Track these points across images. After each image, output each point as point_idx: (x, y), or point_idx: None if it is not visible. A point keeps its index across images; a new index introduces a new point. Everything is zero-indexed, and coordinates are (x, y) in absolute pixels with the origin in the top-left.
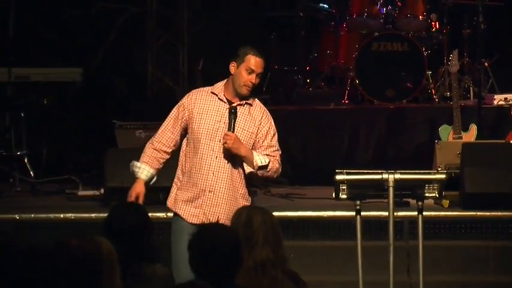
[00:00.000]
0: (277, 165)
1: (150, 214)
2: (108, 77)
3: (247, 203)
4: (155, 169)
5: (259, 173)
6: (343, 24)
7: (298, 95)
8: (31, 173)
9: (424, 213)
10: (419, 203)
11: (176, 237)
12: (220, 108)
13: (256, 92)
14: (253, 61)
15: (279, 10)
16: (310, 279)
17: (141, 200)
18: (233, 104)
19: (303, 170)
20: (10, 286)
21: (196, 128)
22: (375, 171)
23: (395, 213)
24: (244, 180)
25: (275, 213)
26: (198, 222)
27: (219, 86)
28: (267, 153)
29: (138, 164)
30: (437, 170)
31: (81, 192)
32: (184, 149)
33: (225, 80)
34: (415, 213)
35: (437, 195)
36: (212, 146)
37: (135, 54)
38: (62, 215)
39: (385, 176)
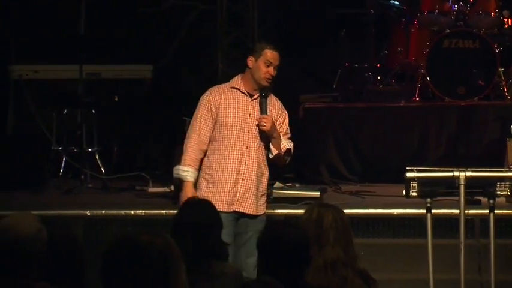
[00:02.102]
0: (292, 149)
1: None
2: (178, 74)
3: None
4: (197, 169)
5: (285, 156)
6: (414, 21)
7: (369, 93)
8: (102, 169)
9: (496, 211)
10: (491, 201)
11: None
12: (243, 100)
13: (326, 89)
14: (270, 54)
15: (349, 7)
16: (380, 277)
17: None
18: (255, 97)
19: (372, 168)
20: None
21: (225, 122)
22: (446, 168)
23: (466, 211)
24: (267, 166)
25: (345, 211)
26: (232, 210)
27: (237, 81)
28: (284, 138)
29: (184, 167)
30: (510, 168)
31: (151, 189)
32: (209, 145)
33: (241, 75)
34: (487, 211)
35: (509, 193)
36: (242, 136)
37: (205, 52)
38: (132, 212)
39: (456, 173)
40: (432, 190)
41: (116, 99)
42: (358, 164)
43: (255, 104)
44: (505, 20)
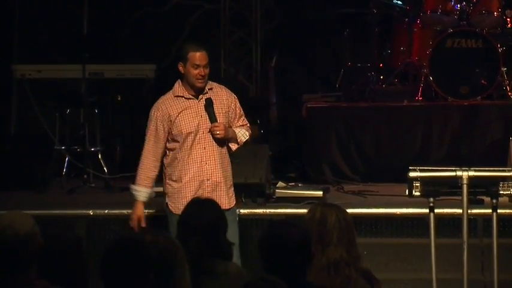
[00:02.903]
0: (250, 131)
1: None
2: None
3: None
4: (151, 187)
5: (244, 145)
6: (417, 21)
7: (372, 92)
8: (105, 169)
9: (499, 210)
10: (494, 201)
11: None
12: (191, 105)
13: (329, 88)
14: (195, 57)
15: (352, 7)
16: (383, 277)
17: (143, 223)
18: (201, 98)
19: (375, 167)
20: (81, 280)
21: (180, 131)
22: (449, 168)
23: (469, 211)
24: (229, 159)
25: (348, 210)
26: None
27: (179, 88)
28: (240, 123)
29: (136, 187)
30: None
31: (154, 189)
32: (168, 156)
33: (178, 82)
34: (490, 210)
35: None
36: (198, 139)
37: (208, 51)
38: None
39: (459, 173)
40: (435, 190)
41: (119, 98)
42: (361, 163)
43: (200, 104)
44: (508, 19)
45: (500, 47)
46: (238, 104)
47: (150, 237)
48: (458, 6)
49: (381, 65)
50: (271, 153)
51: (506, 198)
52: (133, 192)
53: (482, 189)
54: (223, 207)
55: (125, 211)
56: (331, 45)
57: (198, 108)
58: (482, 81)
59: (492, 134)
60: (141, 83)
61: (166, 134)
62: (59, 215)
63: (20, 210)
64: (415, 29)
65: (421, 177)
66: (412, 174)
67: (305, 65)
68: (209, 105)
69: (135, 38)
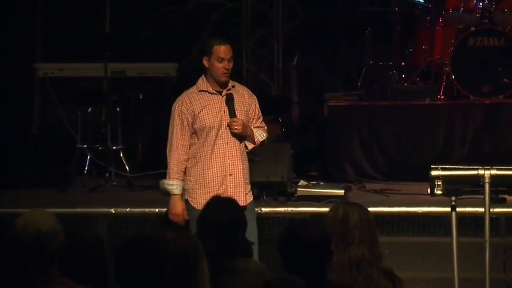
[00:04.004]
0: (267, 134)
1: None
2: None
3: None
4: (183, 180)
5: (260, 145)
6: (439, 19)
7: (393, 91)
8: (126, 167)
9: None
10: None
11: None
12: (214, 100)
13: (351, 87)
14: (220, 50)
15: (374, 5)
16: (405, 276)
17: (185, 216)
18: (224, 94)
19: (397, 166)
20: (101, 279)
21: (203, 125)
22: (471, 167)
23: (491, 210)
24: (247, 156)
25: (369, 209)
26: None
27: (203, 83)
28: (258, 124)
29: (170, 181)
30: None
31: None
32: (190, 149)
33: (202, 77)
34: None
35: None
36: (220, 134)
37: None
38: (156, 210)
39: (481, 171)
40: (457, 188)
41: (141, 97)
42: (382, 162)
43: (224, 100)
44: None
45: None
46: (257, 106)
47: (171, 235)
48: (481, 4)
49: (403, 63)
50: (293, 152)
51: None
52: (168, 187)
53: (505, 188)
54: (241, 204)
55: (146, 209)
56: (353, 44)
57: (221, 104)
58: (505, 80)
59: None
60: (162, 82)
61: (190, 127)
62: (81, 213)
63: (43, 209)
64: (437, 28)
65: (443, 176)
66: (434, 173)
67: (327, 64)
68: (229, 101)
69: (157, 37)
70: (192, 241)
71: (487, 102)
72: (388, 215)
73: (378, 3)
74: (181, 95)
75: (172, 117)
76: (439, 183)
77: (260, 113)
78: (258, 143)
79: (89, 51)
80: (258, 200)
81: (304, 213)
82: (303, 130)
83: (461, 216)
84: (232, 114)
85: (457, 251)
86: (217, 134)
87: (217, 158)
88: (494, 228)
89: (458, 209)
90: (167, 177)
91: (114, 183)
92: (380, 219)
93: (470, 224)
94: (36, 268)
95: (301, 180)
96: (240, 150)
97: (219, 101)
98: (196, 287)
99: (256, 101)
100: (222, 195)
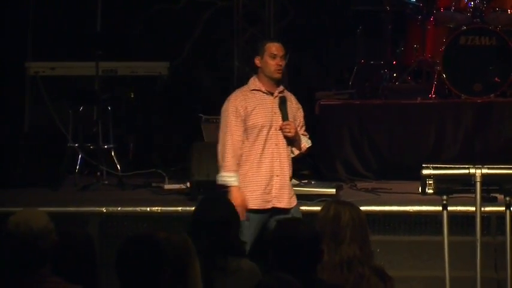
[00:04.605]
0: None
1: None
2: (194, 71)
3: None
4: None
5: (305, 153)
6: (430, 18)
7: (385, 90)
8: (118, 166)
9: None
10: (507, 198)
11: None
12: (267, 100)
13: (342, 86)
14: (273, 47)
15: (365, 4)
16: (396, 274)
17: (247, 206)
18: (276, 95)
19: (388, 165)
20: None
21: (255, 124)
22: (462, 165)
23: (482, 209)
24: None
25: (361, 208)
26: (270, 207)
27: (256, 82)
28: (302, 132)
29: (228, 173)
30: None
31: (167, 186)
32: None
33: (254, 77)
34: (503, 208)
35: None
36: (271, 136)
37: (222, 49)
38: (148, 209)
39: (472, 170)
40: (448, 187)
41: (132, 96)
42: (374, 160)
43: (275, 101)
44: None
45: None
46: (302, 114)
47: (163, 234)
48: (472, 3)
49: (394, 62)
50: None
51: None
52: (227, 179)
53: (496, 186)
54: (285, 206)
55: (138, 208)
56: (344, 43)
57: (273, 104)
58: (496, 79)
59: (505, 131)
60: (154, 81)
61: (243, 124)
62: (72, 212)
63: (36, 208)
64: (429, 27)
65: (434, 175)
66: (425, 171)
67: (318, 63)
68: (283, 103)
69: (149, 36)
70: (184, 240)
71: (478, 101)
72: (379, 214)
73: (370, 2)
74: (234, 93)
75: (225, 113)
76: (430, 182)
77: (303, 122)
78: (304, 149)
79: (80, 50)
80: None
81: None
82: None
83: (452, 215)
84: (285, 117)
85: (448, 250)
86: (268, 134)
87: (266, 159)
88: (485, 227)
89: (449, 208)
90: (223, 170)
91: (106, 182)
92: (371, 218)
93: (462, 222)
94: (28, 266)
95: (293, 179)
96: (287, 154)
97: (271, 101)
98: (189, 286)
99: (301, 109)
100: (214, 194)
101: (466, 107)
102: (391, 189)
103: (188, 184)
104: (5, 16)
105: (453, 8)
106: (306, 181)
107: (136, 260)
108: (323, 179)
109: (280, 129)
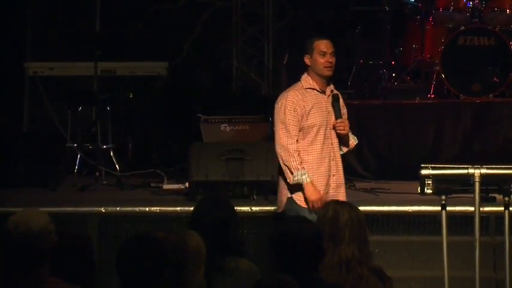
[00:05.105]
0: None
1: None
2: (193, 71)
3: None
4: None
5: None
6: (429, 18)
7: (383, 90)
8: (117, 166)
9: (511, 208)
10: (506, 198)
11: None
12: (321, 99)
13: (341, 86)
14: (322, 45)
15: (364, 4)
16: (395, 275)
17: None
18: (328, 93)
19: (387, 165)
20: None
21: (313, 123)
22: (461, 165)
23: (481, 209)
24: None
25: (359, 208)
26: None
27: (309, 81)
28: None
29: (299, 171)
30: None
31: (166, 186)
32: None
33: (305, 75)
34: (502, 208)
35: None
36: (327, 135)
37: (220, 49)
38: (147, 209)
39: (471, 170)
40: (447, 187)
41: (131, 96)
42: (372, 161)
43: (329, 99)
44: None
45: None
46: (346, 111)
47: (161, 234)
48: (471, 3)
49: (393, 62)
50: None
51: None
52: (301, 177)
53: (495, 186)
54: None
55: (136, 208)
56: (343, 43)
57: (327, 103)
58: (495, 79)
59: (504, 131)
60: (153, 81)
61: (299, 123)
62: (71, 212)
63: (37, 208)
64: (427, 27)
65: (433, 175)
66: (424, 171)
67: None
68: (336, 101)
69: (147, 36)
70: (181, 240)
71: (477, 101)
72: (378, 214)
73: (368, 2)
74: (289, 91)
75: (282, 112)
76: (429, 182)
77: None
78: (352, 146)
79: (79, 50)
80: (248, 199)
81: None
82: None
83: (451, 215)
84: (338, 115)
85: (447, 250)
86: (325, 134)
87: (325, 158)
88: (484, 227)
89: (448, 208)
90: (293, 169)
91: (104, 182)
92: (370, 218)
93: (461, 222)
94: (27, 267)
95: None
96: (339, 151)
97: (325, 100)
98: (188, 286)
99: (345, 106)
100: (212, 194)
101: (465, 107)
102: (389, 189)
103: (187, 184)
104: (4, 16)
105: (452, 8)
106: None
107: (136, 260)
108: None
109: (334, 127)
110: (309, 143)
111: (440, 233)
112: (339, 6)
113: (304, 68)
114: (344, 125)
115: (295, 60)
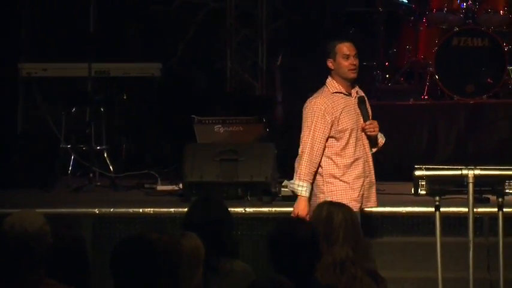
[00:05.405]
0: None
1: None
2: (187, 72)
3: None
4: (312, 183)
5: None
6: (423, 19)
7: (377, 91)
8: (110, 167)
9: (505, 209)
10: (500, 199)
11: None
12: (349, 102)
13: None
14: (344, 47)
15: (358, 6)
16: (389, 275)
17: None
18: (354, 95)
19: (381, 166)
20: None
21: (345, 128)
22: (455, 167)
23: (475, 210)
24: None
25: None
26: (356, 209)
27: (334, 85)
28: None
29: (300, 182)
30: None
31: (160, 187)
32: (326, 152)
33: (329, 79)
34: (496, 209)
35: None
36: (358, 137)
37: (215, 50)
38: (141, 210)
39: (464, 171)
40: (441, 188)
41: (125, 97)
42: None
43: (356, 101)
44: None
45: (506, 46)
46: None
47: (155, 235)
48: (464, 4)
49: (387, 63)
50: (277, 152)
51: None
52: (298, 188)
53: (488, 187)
54: (373, 205)
55: (130, 210)
56: None
57: (354, 106)
58: (488, 80)
59: (498, 132)
60: (147, 82)
61: (329, 129)
62: (65, 213)
63: (33, 209)
64: (421, 28)
65: (427, 176)
66: (417, 172)
67: (311, 64)
68: (362, 103)
69: (142, 37)
70: (175, 242)
71: (471, 102)
72: (372, 215)
73: (362, 3)
74: (318, 96)
75: (311, 117)
76: (423, 183)
77: None
78: (381, 145)
79: (73, 51)
80: (242, 200)
81: (289, 213)
82: (287, 130)
83: (445, 216)
84: (366, 116)
85: (441, 251)
86: (356, 137)
87: (359, 161)
88: (478, 227)
89: (442, 209)
90: (296, 177)
91: (98, 184)
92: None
93: (454, 223)
94: (23, 268)
95: (285, 180)
96: (370, 153)
97: (352, 102)
98: (184, 287)
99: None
100: (206, 196)
101: (459, 108)
102: (383, 190)
103: (181, 185)
104: None
105: (445, 9)
106: None
107: (130, 261)
108: None
109: (363, 129)
110: (342, 147)
111: (434, 234)
112: (333, 8)
113: (328, 72)
114: (374, 126)
115: (290, 61)
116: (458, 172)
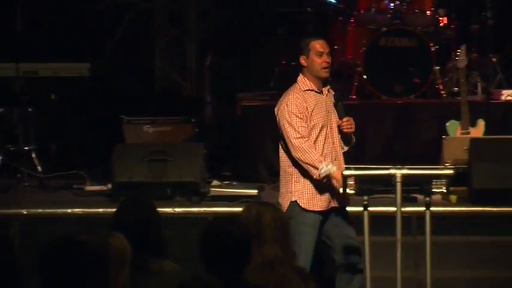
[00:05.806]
0: None
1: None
2: (116, 72)
3: None
4: None
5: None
6: (351, 20)
7: None
8: (38, 168)
9: (432, 208)
10: (427, 198)
11: (304, 229)
12: (320, 99)
13: (264, 87)
14: (318, 45)
15: (287, 6)
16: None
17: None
18: (326, 93)
19: None
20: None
21: (316, 124)
22: (383, 166)
23: (403, 209)
24: None
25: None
26: (325, 208)
27: (306, 82)
28: None
29: (324, 164)
30: (445, 166)
31: (88, 188)
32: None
33: (301, 76)
34: (423, 208)
35: (444, 191)
36: (328, 134)
37: (143, 50)
38: (69, 210)
39: (392, 171)
40: (369, 188)
41: (53, 97)
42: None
43: (327, 99)
44: (441, 18)
45: (433, 46)
46: None
47: (83, 236)
48: (392, 5)
49: None
50: (206, 152)
51: (439, 196)
52: (328, 168)
53: (416, 187)
54: (340, 205)
55: (59, 210)
56: (267, 44)
57: (326, 103)
58: (416, 80)
59: (426, 132)
60: (76, 82)
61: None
62: None
63: None
64: (349, 28)
65: (355, 176)
66: (346, 172)
67: (240, 64)
68: (338, 101)
69: (70, 36)
70: (104, 242)
71: (399, 102)
72: None
73: (291, 3)
74: (290, 95)
75: (287, 116)
76: (351, 182)
77: None
78: (352, 144)
79: (0, 50)
80: (171, 200)
81: (218, 213)
82: (216, 130)
83: (373, 216)
84: (341, 114)
85: (370, 250)
86: (327, 134)
87: (326, 158)
88: (405, 227)
89: (370, 208)
90: (319, 163)
91: (26, 184)
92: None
93: (382, 223)
94: None
95: (215, 180)
96: (340, 151)
97: (324, 100)
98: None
99: None
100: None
101: (387, 108)
102: None
103: (110, 185)
104: None
105: (374, 9)
106: (228, 182)
107: (58, 261)
108: (245, 180)
109: (339, 126)
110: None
111: (362, 233)
112: (263, 8)
113: (299, 69)
114: (350, 123)
115: (219, 62)
116: (386, 172)
